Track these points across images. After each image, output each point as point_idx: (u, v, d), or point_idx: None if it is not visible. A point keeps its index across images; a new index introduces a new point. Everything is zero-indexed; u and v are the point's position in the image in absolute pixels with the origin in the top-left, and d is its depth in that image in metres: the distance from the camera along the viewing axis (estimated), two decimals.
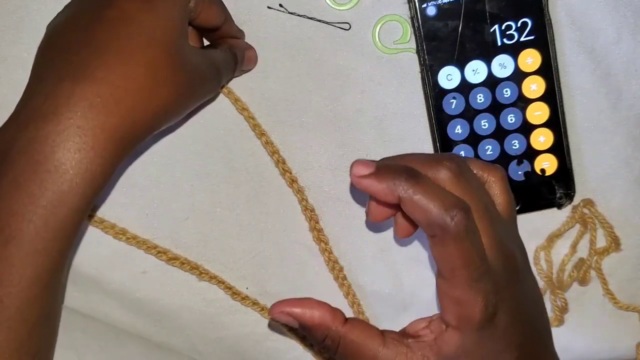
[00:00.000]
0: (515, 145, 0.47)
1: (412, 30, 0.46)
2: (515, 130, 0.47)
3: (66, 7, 0.38)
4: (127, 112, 0.34)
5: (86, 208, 0.34)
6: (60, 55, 0.35)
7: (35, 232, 0.33)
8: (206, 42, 0.45)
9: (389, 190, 0.34)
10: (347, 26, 0.47)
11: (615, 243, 0.48)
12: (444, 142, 0.47)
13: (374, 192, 0.35)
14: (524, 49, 0.46)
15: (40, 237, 0.33)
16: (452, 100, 0.46)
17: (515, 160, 0.47)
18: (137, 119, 0.35)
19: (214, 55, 0.41)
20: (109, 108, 0.34)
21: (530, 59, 0.46)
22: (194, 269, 0.47)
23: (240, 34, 0.46)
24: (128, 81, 0.34)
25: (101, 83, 0.34)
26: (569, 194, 0.47)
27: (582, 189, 0.48)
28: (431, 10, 0.45)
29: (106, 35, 0.35)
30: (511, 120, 0.46)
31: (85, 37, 0.35)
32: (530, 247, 0.49)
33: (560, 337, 0.49)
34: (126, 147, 0.35)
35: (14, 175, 0.33)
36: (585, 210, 0.48)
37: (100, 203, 0.47)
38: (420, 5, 0.45)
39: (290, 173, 0.48)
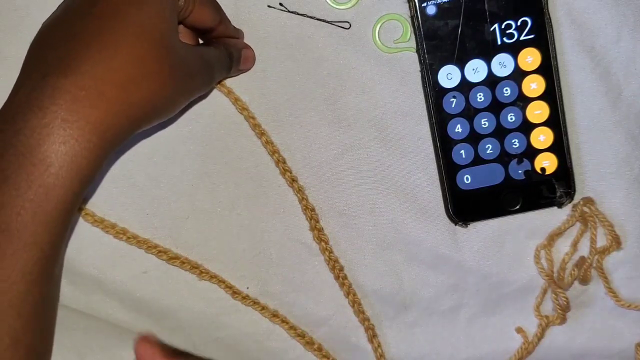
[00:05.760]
0: (515, 144, 0.47)
1: (412, 29, 0.46)
2: (516, 129, 0.47)
3: (59, 5, 0.38)
4: (112, 105, 0.34)
5: (75, 201, 0.34)
6: (48, 50, 0.35)
7: (24, 225, 0.33)
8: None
9: None
10: (347, 25, 0.47)
11: (615, 242, 0.47)
12: (443, 141, 0.47)
13: None
14: (524, 47, 0.46)
15: (29, 230, 0.33)
16: (452, 99, 0.46)
17: (516, 159, 0.47)
18: (122, 111, 0.35)
19: (206, 52, 0.41)
20: (93, 101, 0.34)
21: (530, 58, 0.46)
22: (195, 268, 0.47)
23: (238, 34, 0.46)
24: (114, 74, 0.34)
25: (86, 76, 0.34)
26: (569, 192, 0.47)
27: (582, 187, 0.48)
28: (431, 9, 0.45)
29: (93, 30, 0.35)
30: (511, 119, 0.46)
31: (73, 32, 0.35)
32: (530, 246, 0.49)
33: (562, 335, 0.49)
34: (113, 139, 0.35)
35: (1, 168, 0.33)
36: (586, 209, 0.48)
37: (100, 202, 0.47)
38: (420, 4, 0.45)
39: (291, 172, 0.48)
